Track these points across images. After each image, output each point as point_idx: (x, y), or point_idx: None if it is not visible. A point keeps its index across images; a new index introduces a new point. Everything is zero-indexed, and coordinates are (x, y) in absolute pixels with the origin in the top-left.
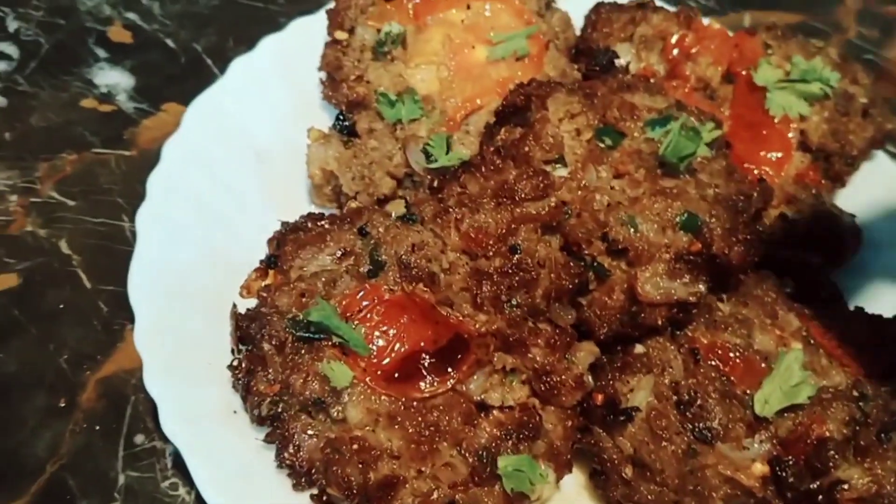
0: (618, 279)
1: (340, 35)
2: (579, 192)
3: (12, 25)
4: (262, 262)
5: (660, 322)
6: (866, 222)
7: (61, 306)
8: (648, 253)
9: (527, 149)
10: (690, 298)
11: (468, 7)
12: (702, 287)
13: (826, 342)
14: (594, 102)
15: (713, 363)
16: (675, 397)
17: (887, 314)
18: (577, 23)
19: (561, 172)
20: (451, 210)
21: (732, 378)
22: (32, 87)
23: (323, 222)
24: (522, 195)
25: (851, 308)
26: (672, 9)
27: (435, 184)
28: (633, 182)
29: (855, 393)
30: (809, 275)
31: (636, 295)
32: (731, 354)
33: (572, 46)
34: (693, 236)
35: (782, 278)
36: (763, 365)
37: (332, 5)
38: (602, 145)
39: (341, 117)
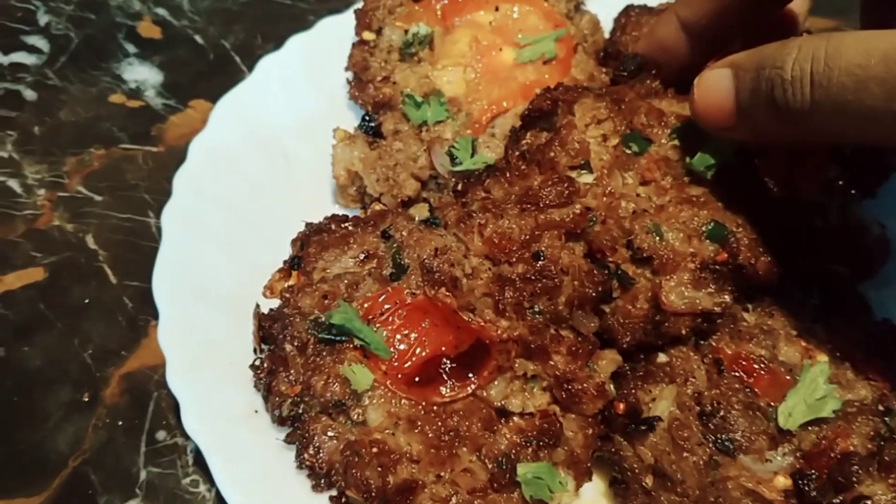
0: (642, 288)
1: (368, 35)
2: (604, 199)
3: (43, 19)
4: (285, 262)
5: (684, 332)
6: (895, 233)
7: (87, 301)
8: (674, 262)
9: (552, 154)
10: (715, 309)
11: (496, 9)
12: (727, 297)
13: (852, 355)
14: (621, 108)
15: (737, 374)
16: (697, 408)
17: None
18: (607, 25)
19: (586, 179)
20: (474, 215)
21: (756, 390)
22: (62, 81)
23: (346, 224)
24: (547, 201)
25: (879, 320)
26: None
27: (459, 187)
28: (659, 189)
29: (880, 407)
30: (837, 286)
31: (660, 304)
32: (756, 366)
33: (601, 49)
34: (719, 246)
35: (809, 289)
36: (788, 377)
37: (360, 5)
38: (629, 152)
39: (367, 118)
